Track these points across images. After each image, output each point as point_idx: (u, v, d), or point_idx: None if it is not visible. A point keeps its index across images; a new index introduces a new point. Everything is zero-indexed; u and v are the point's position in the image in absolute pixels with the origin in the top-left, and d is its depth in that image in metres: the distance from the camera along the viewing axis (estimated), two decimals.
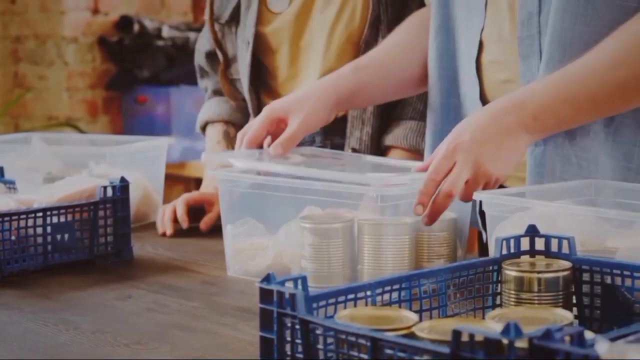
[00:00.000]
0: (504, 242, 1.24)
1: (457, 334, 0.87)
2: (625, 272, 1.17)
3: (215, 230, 1.97)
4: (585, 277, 1.21)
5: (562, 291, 1.19)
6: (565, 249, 1.23)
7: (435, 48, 1.72)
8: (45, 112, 4.69)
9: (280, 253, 1.56)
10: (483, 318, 1.15)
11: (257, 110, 2.05)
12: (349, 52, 1.96)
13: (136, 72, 4.51)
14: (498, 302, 1.22)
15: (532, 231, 1.25)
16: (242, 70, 2.06)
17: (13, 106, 4.67)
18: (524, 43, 1.57)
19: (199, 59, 2.22)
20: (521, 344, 0.85)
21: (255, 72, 2.06)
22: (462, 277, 1.20)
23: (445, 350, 0.88)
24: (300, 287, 1.05)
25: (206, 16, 2.13)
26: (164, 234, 1.93)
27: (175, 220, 1.96)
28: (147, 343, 1.26)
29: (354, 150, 1.96)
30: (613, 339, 0.88)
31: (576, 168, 1.54)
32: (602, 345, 0.79)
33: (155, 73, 4.50)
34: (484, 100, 1.64)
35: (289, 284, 1.05)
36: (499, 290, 1.22)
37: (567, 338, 0.84)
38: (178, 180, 4.33)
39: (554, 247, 1.23)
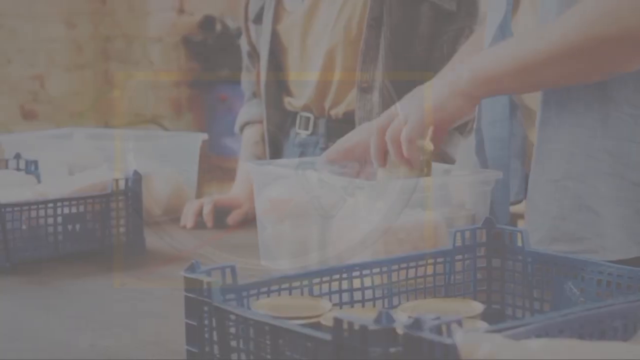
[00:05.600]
0: (458, 234, 1.24)
1: (338, 322, 0.88)
2: None
3: (239, 226, 2.01)
4: None
5: None
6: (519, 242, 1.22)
7: None
8: (132, 109, 4.83)
9: None
10: None
11: (272, 106, 2.08)
12: (349, 52, 1.96)
13: (218, 71, 4.61)
14: (452, 294, 1.22)
15: (487, 224, 1.25)
16: (262, 66, 2.09)
17: (103, 104, 4.82)
18: None
19: (244, 58, 2.27)
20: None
21: (275, 70, 2.08)
22: (411, 269, 1.20)
23: (329, 337, 0.89)
24: (230, 276, 1.08)
25: (242, 17, 2.17)
26: (184, 227, 1.98)
27: (199, 214, 2.00)
28: (111, 328, 1.30)
29: None
30: (497, 331, 0.88)
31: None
32: (458, 336, 0.80)
33: (235, 72, 4.58)
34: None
35: (216, 274, 1.08)
36: (451, 282, 1.22)
37: (444, 328, 0.84)
38: None
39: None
